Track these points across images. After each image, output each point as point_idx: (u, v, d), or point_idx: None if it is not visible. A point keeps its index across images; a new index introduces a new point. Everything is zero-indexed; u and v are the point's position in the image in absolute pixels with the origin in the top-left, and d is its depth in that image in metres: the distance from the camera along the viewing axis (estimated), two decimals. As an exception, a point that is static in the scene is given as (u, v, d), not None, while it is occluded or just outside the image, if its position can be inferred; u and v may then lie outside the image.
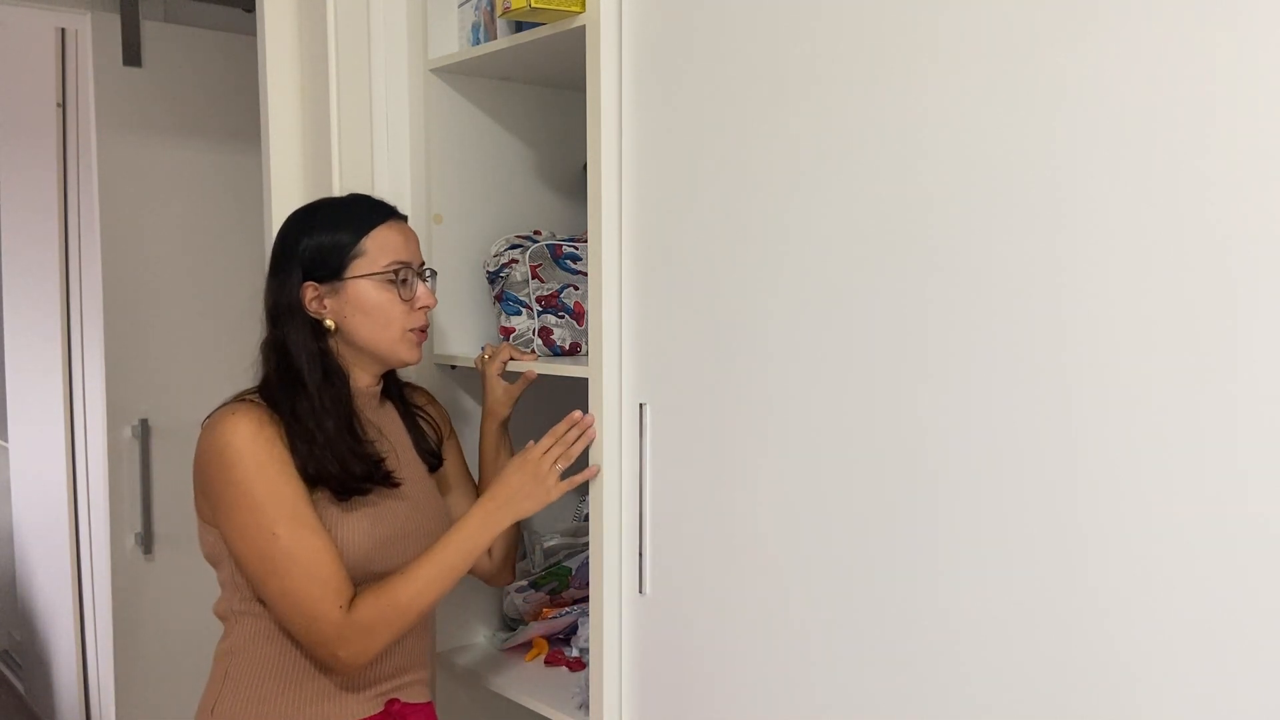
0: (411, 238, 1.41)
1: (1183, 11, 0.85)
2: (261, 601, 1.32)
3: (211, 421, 1.31)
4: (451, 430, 1.60)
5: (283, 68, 1.75)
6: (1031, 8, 0.94)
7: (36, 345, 3.07)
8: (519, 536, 1.64)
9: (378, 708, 1.38)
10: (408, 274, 1.38)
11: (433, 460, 1.50)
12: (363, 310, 1.36)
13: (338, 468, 1.31)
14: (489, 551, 1.58)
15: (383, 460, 1.37)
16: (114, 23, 2.59)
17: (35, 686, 3.41)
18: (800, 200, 1.15)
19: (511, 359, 1.57)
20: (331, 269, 1.35)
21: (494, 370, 1.57)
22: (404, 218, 1.43)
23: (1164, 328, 0.87)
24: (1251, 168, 0.82)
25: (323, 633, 1.26)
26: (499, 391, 1.58)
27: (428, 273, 1.43)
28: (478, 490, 1.61)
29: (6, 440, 3.56)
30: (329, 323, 1.36)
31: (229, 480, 1.26)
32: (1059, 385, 0.94)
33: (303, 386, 1.33)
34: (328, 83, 1.67)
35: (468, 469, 1.61)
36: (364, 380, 1.41)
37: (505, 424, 1.61)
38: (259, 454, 1.26)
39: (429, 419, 1.53)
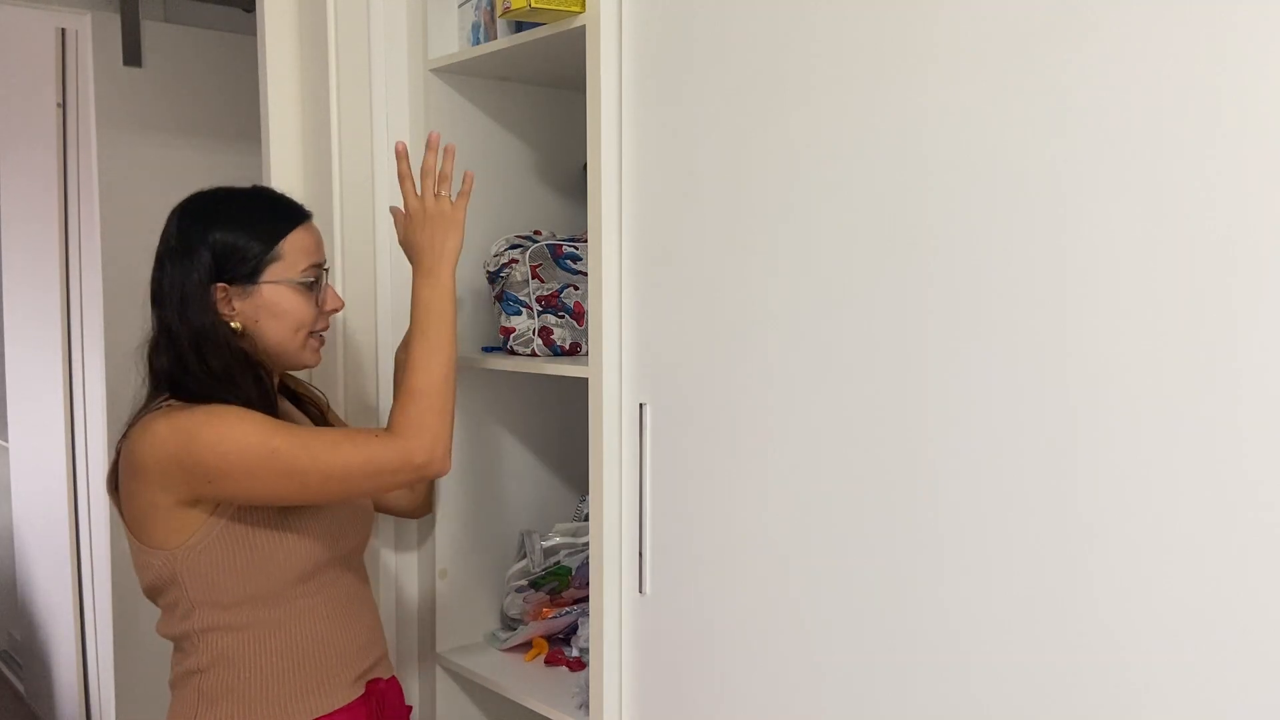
0: (320, 239, 1.40)
1: (1188, 10, 0.85)
2: (244, 605, 1.30)
3: (139, 431, 1.26)
4: (329, 405, 1.58)
5: (283, 68, 1.75)
6: (1032, 7, 0.94)
7: (36, 345, 3.07)
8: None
9: (359, 690, 1.39)
10: (321, 276, 1.38)
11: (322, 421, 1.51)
12: (275, 314, 1.32)
13: None
14: (411, 485, 1.55)
15: None
16: (114, 23, 2.59)
17: (35, 686, 3.41)
18: (801, 199, 1.15)
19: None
20: (245, 272, 1.31)
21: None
22: (311, 216, 1.40)
23: (1167, 328, 0.87)
24: (1258, 168, 0.82)
25: (390, 461, 1.27)
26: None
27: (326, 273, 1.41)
28: None
29: (6, 440, 3.56)
30: (236, 324, 1.31)
31: (202, 458, 1.21)
32: (1062, 384, 0.94)
33: (234, 389, 1.28)
34: (328, 83, 1.67)
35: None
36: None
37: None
38: (206, 417, 1.23)
39: (311, 399, 1.52)
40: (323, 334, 1.40)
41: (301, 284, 1.34)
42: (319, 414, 1.51)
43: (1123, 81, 0.89)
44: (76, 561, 2.88)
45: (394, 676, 1.48)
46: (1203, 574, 0.86)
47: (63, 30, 2.71)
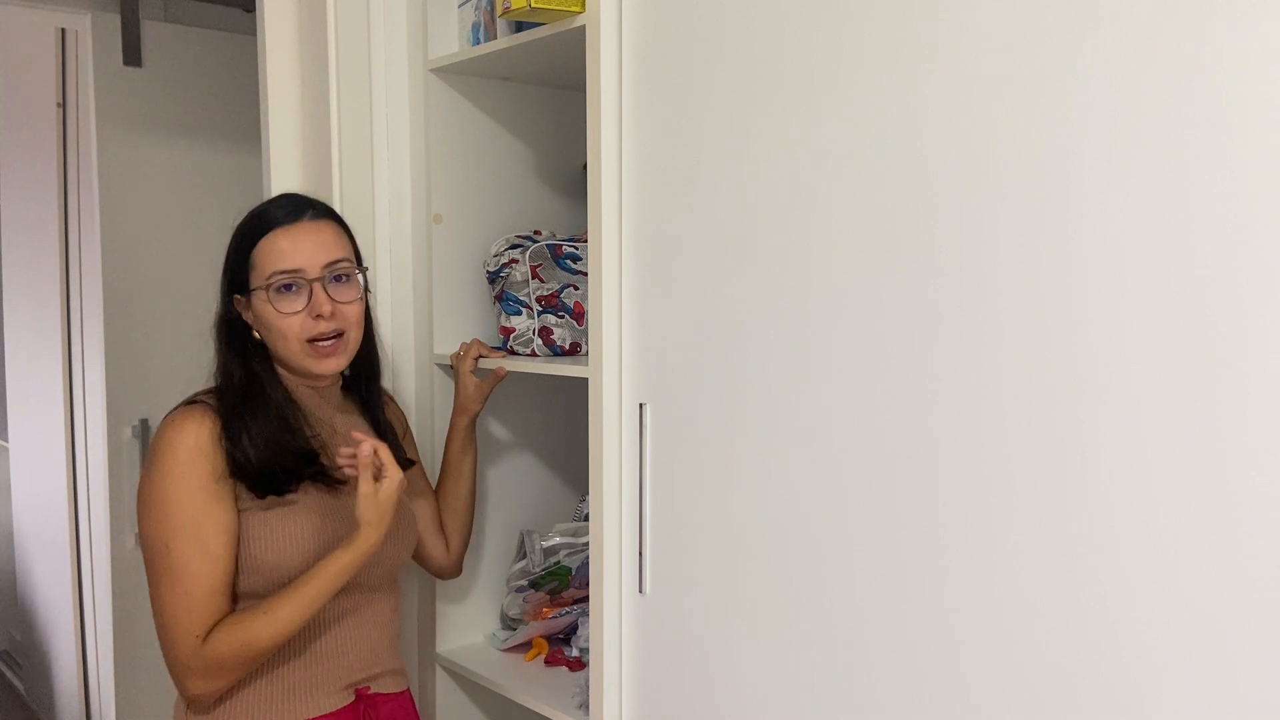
0: (305, 241, 1.33)
1: (1191, 6, 0.85)
2: (242, 599, 1.31)
3: (164, 422, 1.31)
4: (407, 429, 1.60)
5: (283, 68, 1.75)
6: (1034, 4, 0.94)
7: (36, 345, 3.07)
8: (470, 526, 1.67)
9: (349, 699, 1.38)
10: (293, 281, 1.32)
11: (403, 463, 1.49)
12: (264, 325, 1.35)
13: (268, 462, 1.30)
14: (446, 544, 1.62)
15: (317, 454, 1.35)
16: (114, 23, 2.59)
17: (35, 686, 3.41)
18: (801, 198, 1.15)
19: (481, 356, 1.61)
20: (240, 282, 1.36)
21: (466, 367, 1.60)
22: (300, 217, 1.35)
23: (1171, 325, 0.87)
24: (1264, 164, 0.82)
25: (176, 659, 1.26)
26: (470, 388, 1.61)
27: (338, 275, 1.36)
28: (436, 491, 1.64)
29: (6, 440, 3.56)
30: (257, 334, 1.36)
31: (151, 485, 1.28)
32: (1066, 383, 0.94)
33: (261, 398, 1.33)
34: (328, 83, 1.67)
35: (424, 470, 1.62)
36: (321, 380, 1.41)
37: (474, 421, 1.64)
38: (185, 463, 1.26)
39: (390, 422, 1.51)
40: (334, 340, 1.35)
41: (273, 291, 1.32)
42: (394, 438, 1.49)
43: (1125, 79, 0.89)
44: (76, 561, 2.88)
45: (404, 692, 1.47)
46: (1207, 575, 0.86)
47: (63, 30, 2.71)
